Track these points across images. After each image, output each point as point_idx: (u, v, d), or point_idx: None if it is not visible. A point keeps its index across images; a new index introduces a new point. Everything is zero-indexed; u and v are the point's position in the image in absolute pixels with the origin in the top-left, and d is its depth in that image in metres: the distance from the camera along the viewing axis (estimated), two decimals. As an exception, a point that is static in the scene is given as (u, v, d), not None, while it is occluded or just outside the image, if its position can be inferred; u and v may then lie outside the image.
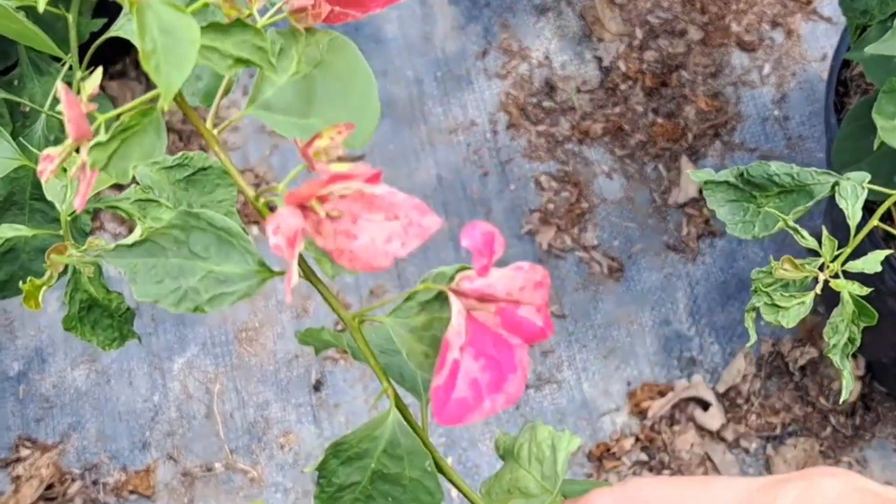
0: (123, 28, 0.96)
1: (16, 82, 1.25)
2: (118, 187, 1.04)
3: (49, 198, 0.78)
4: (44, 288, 0.80)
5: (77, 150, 0.52)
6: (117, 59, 1.65)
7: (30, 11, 1.08)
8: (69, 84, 1.09)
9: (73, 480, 1.44)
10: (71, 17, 1.02)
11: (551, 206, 1.59)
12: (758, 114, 1.65)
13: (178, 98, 0.54)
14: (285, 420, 1.48)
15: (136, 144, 0.53)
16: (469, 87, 1.67)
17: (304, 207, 0.51)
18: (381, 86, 1.66)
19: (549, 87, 1.67)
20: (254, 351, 1.51)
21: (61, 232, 0.83)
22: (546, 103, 1.66)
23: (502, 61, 1.69)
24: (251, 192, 0.55)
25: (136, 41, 0.49)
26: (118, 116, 0.53)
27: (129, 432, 1.47)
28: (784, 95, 1.67)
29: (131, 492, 1.43)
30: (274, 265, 0.57)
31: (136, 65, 1.65)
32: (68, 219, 0.83)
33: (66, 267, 0.83)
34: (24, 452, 1.45)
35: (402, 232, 0.49)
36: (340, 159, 0.53)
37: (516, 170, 1.61)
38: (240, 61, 0.54)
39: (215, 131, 0.56)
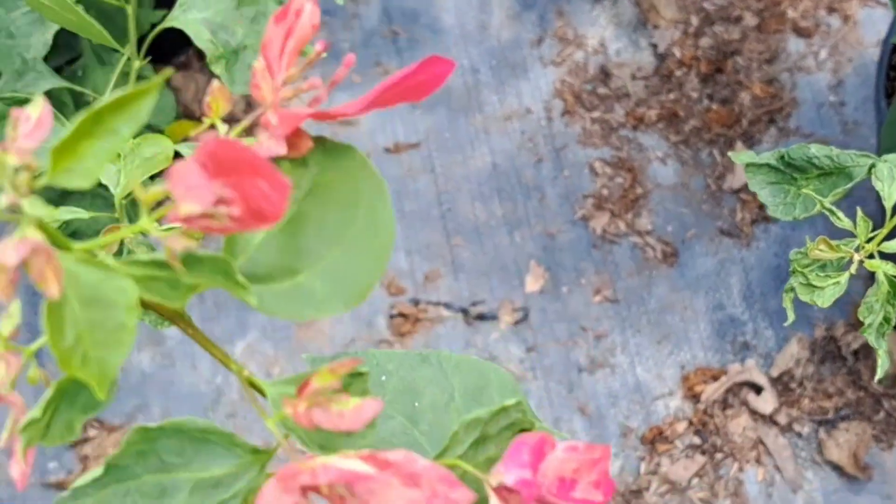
0: (178, 18, 0.99)
1: (80, 73, 1.28)
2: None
3: (104, 181, 0.81)
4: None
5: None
6: (180, 50, 1.69)
7: (91, 3, 1.12)
8: (126, 74, 1.12)
9: (138, 460, 1.48)
10: (130, 9, 1.06)
11: (605, 191, 1.61)
12: (813, 99, 1.65)
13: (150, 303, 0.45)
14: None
15: (72, 400, 0.46)
16: (524, 75, 1.69)
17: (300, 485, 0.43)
18: (438, 74, 1.68)
19: (604, 74, 1.68)
20: (311, 335, 1.54)
21: (117, 215, 0.86)
22: (601, 90, 1.67)
23: (557, 49, 1.70)
24: (235, 366, 0.48)
25: (47, 335, 0.41)
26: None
27: (192, 414, 1.51)
28: (840, 81, 1.66)
29: (194, 471, 1.47)
30: (260, 437, 0.49)
31: (200, 56, 1.68)
32: (123, 202, 0.86)
33: (121, 248, 0.86)
34: (92, 433, 1.50)
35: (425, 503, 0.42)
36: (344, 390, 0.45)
37: (570, 156, 1.63)
38: (193, 288, 0.44)
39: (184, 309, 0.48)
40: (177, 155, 0.94)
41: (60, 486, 1.46)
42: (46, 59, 1.09)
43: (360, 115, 0.48)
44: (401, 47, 1.71)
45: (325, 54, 0.50)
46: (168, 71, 0.46)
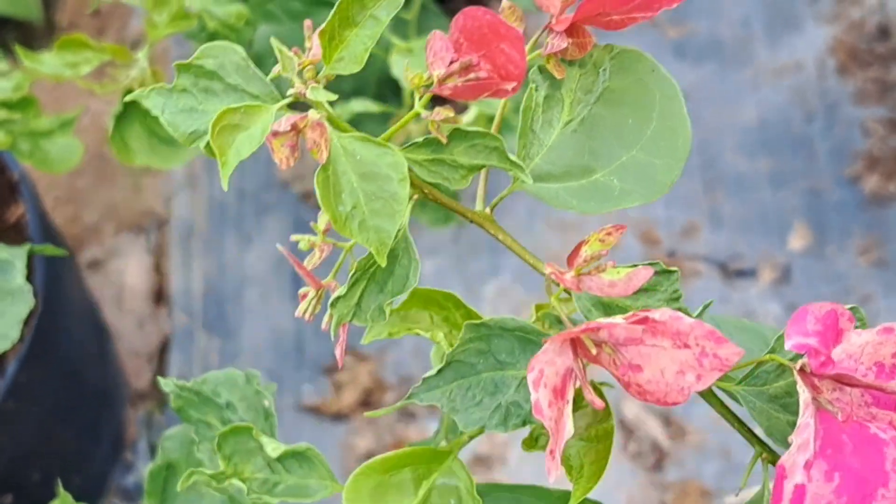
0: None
1: None
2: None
3: (395, 75, 0.83)
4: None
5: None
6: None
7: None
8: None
9: (389, 389, 1.51)
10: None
11: (877, 151, 1.55)
12: None
13: (433, 194, 0.49)
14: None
15: (381, 285, 0.49)
16: (798, 30, 1.64)
17: (574, 341, 0.43)
18: (709, 27, 1.66)
19: (882, 32, 1.62)
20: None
21: (404, 111, 0.88)
22: (878, 48, 1.61)
23: (834, 4, 1.65)
24: (547, 269, 0.48)
25: (320, 199, 0.46)
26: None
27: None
28: None
29: (442, 406, 1.49)
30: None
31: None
32: (413, 95, 0.88)
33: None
34: (347, 362, 1.54)
35: (695, 363, 0.41)
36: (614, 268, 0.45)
37: (842, 114, 1.58)
38: (473, 169, 0.47)
39: (487, 210, 0.50)
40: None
41: (316, 410, 1.50)
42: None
43: (630, 18, 0.48)
44: None
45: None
46: None
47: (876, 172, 1.54)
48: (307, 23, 0.48)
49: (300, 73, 0.46)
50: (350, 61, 0.47)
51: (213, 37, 0.80)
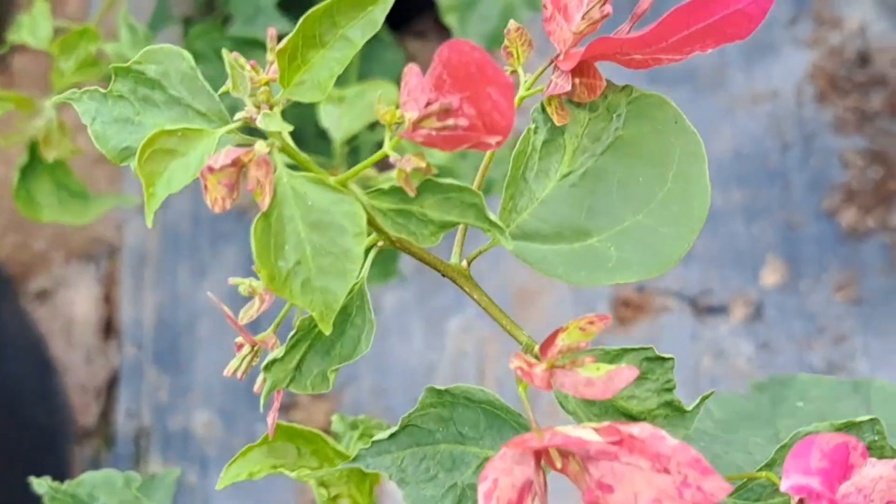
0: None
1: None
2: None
3: (324, 125, 0.78)
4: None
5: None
6: (419, 16, 1.66)
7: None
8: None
9: (345, 429, 1.46)
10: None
11: (856, 183, 1.49)
12: None
13: (401, 243, 0.43)
14: (558, 388, 1.45)
15: (327, 348, 0.43)
16: (775, 56, 1.59)
17: (537, 451, 0.38)
18: (681, 51, 1.60)
19: (863, 59, 1.57)
20: (529, 315, 1.48)
21: (336, 161, 0.83)
22: (858, 76, 1.56)
23: (813, 29, 1.60)
24: (513, 363, 0.41)
25: (256, 252, 0.40)
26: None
27: (404, 387, 1.48)
28: None
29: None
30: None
31: (437, 25, 1.65)
32: (344, 147, 0.83)
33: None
34: (303, 400, 1.48)
35: (674, 493, 0.36)
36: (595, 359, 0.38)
37: (820, 144, 1.52)
38: (445, 225, 0.41)
39: (464, 263, 0.44)
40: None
41: (268, 448, 1.45)
42: (283, 8, 1.07)
43: (654, 59, 0.43)
44: (644, 22, 1.63)
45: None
46: None
47: (854, 205, 1.48)
48: (270, 32, 0.42)
49: (253, 94, 0.40)
50: (312, 87, 0.41)
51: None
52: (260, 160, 0.39)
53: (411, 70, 0.39)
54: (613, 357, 0.43)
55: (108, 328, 1.52)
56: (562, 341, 0.39)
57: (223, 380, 1.48)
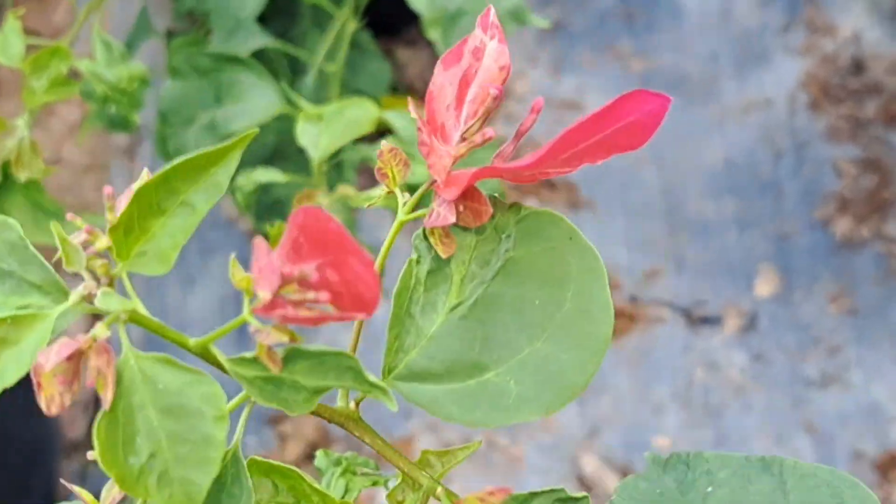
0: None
1: (298, 38, 1.26)
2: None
3: (302, 143, 0.76)
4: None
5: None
6: (408, 24, 1.65)
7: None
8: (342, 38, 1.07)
9: (335, 442, 1.44)
10: (345, -31, 1.01)
11: (849, 193, 1.48)
12: None
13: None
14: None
15: None
16: (767, 65, 1.57)
17: None
18: (675, 59, 1.59)
19: (856, 67, 1.56)
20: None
21: (314, 180, 0.81)
22: (851, 83, 1.55)
23: (805, 37, 1.59)
24: (425, 480, 0.40)
25: (99, 451, 0.36)
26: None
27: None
28: None
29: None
30: None
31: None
32: (322, 168, 0.81)
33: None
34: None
35: None
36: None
37: (813, 153, 1.51)
38: (319, 391, 0.38)
39: (352, 405, 0.42)
40: (383, 133, 0.88)
41: (257, 461, 1.43)
42: (264, 21, 1.06)
43: (542, 173, 0.40)
44: (636, 30, 1.62)
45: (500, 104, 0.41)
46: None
47: (847, 215, 1.47)
48: (107, 191, 0.38)
49: (90, 269, 0.37)
50: (155, 258, 0.38)
51: (104, 101, 0.73)
52: (100, 347, 0.36)
53: (259, 246, 0.35)
54: (522, 501, 0.40)
55: (97, 340, 1.51)
56: None
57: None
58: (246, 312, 0.36)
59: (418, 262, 0.40)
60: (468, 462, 1.42)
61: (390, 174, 0.41)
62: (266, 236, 0.75)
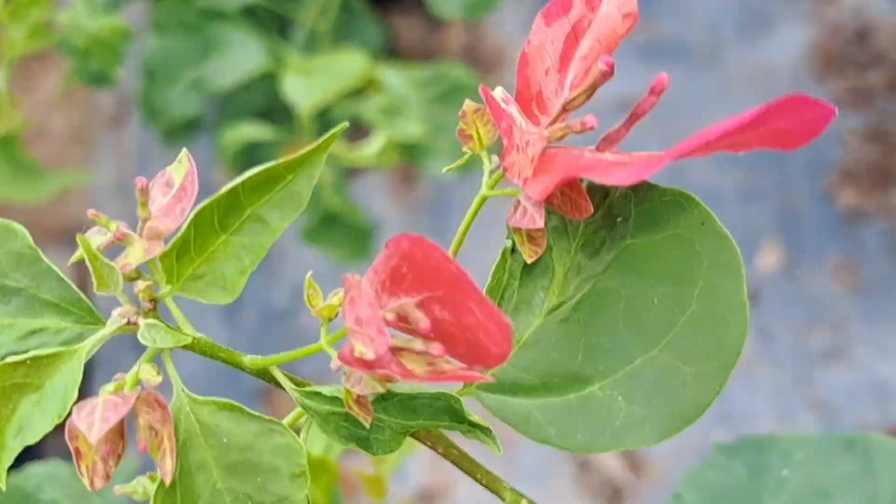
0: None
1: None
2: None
3: (290, 97, 0.73)
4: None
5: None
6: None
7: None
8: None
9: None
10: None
11: (854, 164, 1.45)
12: None
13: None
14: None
15: None
16: (772, 33, 1.54)
17: None
18: (677, 27, 1.56)
19: (860, 36, 1.52)
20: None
21: (302, 138, 0.78)
22: (857, 52, 1.52)
23: (811, 5, 1.56)
24: (507, 493, 0.34)
25: None
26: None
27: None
28: None
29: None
30: None
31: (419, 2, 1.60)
32: (311, 126, 0.78)
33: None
34: (275, 392, 1.44)
35: None
36: None
37: (818, 123, 1.48)
38: (407, 430, 0.32)
39: None
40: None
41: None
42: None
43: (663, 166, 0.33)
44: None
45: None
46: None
47: (852, 186, 1.44)
48: (140, 183, 0.31)
49: (125, 291, 0.31)
50: (215, 284, 0.31)
51: (85, 53, 0.69)
52: (150, 399, 0.29)
53: (356, 286, 0.28)
54: None
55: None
56: None
57: (203, 363, 1.44)
58: (323, 341, 0.30)
59: (511, 252, 0.34)
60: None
61: (475, 135, 0.34)
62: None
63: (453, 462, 0.34)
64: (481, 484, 0.35)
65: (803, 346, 1.37)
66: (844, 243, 1.42)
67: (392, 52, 1.38)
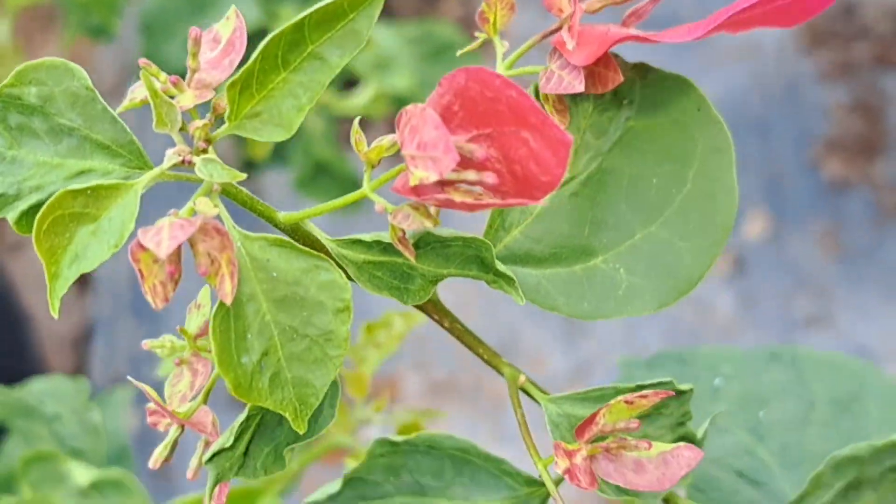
0: None
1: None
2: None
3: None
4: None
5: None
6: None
7: None
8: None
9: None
10: None
11: (839, 135, 1.47)
12: None
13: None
14: (537, 340, 1.43)
15: (274, 423, 0.35)
16: (758, 8, 1.57)
17: None
18: (664, 2, 1.58)
19: (847, 10, 1.55)
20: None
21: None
22: (842, 27, 1.54)
23: (797, -19, 1.58)
24: (508, 369, 0.36)
25: (215, 348, 0.31)
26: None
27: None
28: None
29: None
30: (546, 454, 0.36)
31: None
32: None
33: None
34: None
35: None
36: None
37: (803, 95, 1.50)
38: (437, 279, 0.33)
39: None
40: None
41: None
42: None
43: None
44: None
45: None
46: None
47: (837, 157, 1.47)
48: (193, 33, 0.32)
49: (184, 129, 0.32)
50: (269, 122, 0.32)
51: (84, 7, 0.72)
52: (210, 228, 0.30)
53: (424, 115, 0.29)
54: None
55: (84, 279, 1.51)
56: (604, 420, 0.33)
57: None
58: (366, 187, 0.31)
59: None
60: (455, 402, 1.42)
61: (492, 19, 0.36)
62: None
63: (458, 337, 0.37)
64: (483, 359, 0.37)
65: (787, 312, 1.40)
66: (829, 212, 1.44)
67: (387, 17, 1.40)
